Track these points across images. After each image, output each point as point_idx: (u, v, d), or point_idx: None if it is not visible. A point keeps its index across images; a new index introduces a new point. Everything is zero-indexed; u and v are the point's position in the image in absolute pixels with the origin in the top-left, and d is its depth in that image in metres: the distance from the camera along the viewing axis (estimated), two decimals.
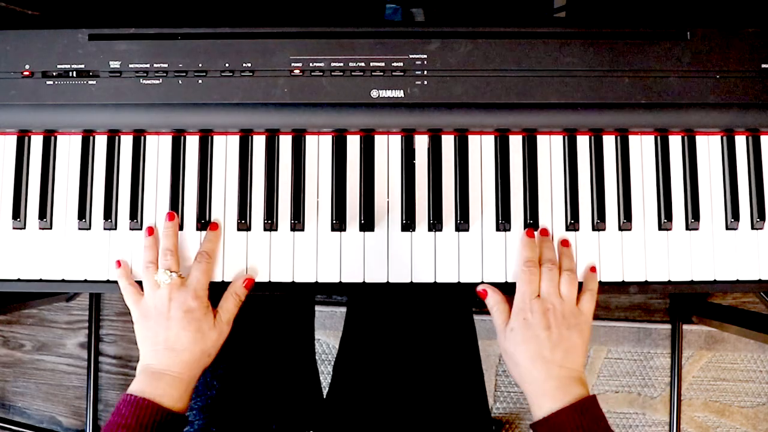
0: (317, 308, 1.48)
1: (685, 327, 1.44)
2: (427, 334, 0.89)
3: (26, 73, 0.79)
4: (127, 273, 0.79)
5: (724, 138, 0.82)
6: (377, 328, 0.91)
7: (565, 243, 0.80)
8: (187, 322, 0.73)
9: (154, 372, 0.72)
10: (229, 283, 0.79)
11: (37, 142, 0.83)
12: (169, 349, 0.72)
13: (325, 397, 0.93)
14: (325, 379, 1.45)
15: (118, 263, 0.79)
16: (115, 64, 0.79)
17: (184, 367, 0.72)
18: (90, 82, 0.79)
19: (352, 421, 0.84)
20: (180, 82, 0.79)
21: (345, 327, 0.96)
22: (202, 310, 0.74)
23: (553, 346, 0.71)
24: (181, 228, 0.81)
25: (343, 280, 0.81)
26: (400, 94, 0.79)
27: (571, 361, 0.71)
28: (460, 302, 0.93)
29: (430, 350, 0.88)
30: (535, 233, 0.80)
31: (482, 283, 0.80)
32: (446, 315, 0.91)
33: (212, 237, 0.80)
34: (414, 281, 0.80)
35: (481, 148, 0.82)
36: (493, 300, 0.77)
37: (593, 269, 0.79)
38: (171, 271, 0.75)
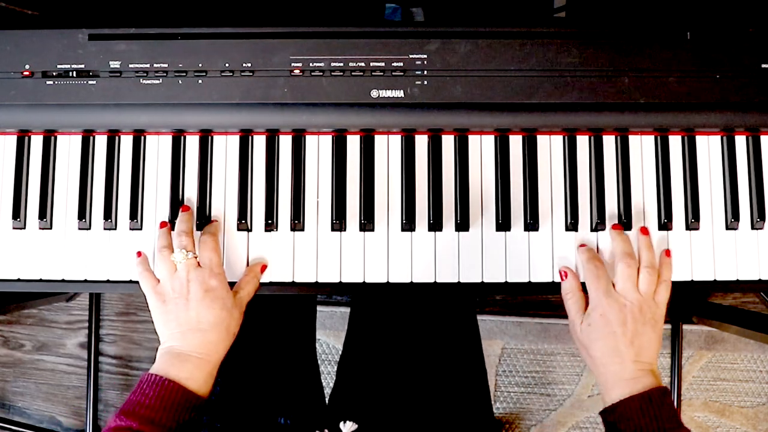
0: (317, 308, 1.48)
1: (685, 327, 1.44)
2: (430, 335, 0.89)
3: (26, 73, 0.79)
4: (145, 260, 0.78)
5: (724, 138, 0.82)
6: (381, 329, 0.91)
7: (644, 231, 0.79)
8: (211, 300, 0.71)
9: (180, 353, 0.70)
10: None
11: (37, 142, 0.83)
12: (195, 330, 0.71)
13: (328, 397, 0.93)
14: (326, 379, 1.45)
15: (139, 253, 0.79)
16: (115, 64, 0.79)
17: (211, 348, 0.71)
18: (90, 82, 0.79)
19: (357, 421, 0.84)
20: (180, 82, 0.79)
21: (349, 328, 0.96)
22: (225, 288, 0.73)
23: (630, 341, 0.71)
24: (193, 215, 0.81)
25: (343, 280, 0.81)
26: (400, 94, 0.79)
27: (646, 355, 0.72)
28: (463, 303, 0.93)
29: (433, 351, 0.88)
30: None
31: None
32: (449, 316, 0.91)
33: (212, 223, 0.80)
34: (414, 281, 0.80)
35: (481, 148, 0.82)
36: (570, 286, 0.77)
37: (668, 253, 0.79)
38: (187, 251, 0.74)
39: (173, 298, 0.72)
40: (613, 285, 0.75)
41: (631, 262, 0.75)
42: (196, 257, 0.75)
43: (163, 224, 0.79)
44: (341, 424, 0.79)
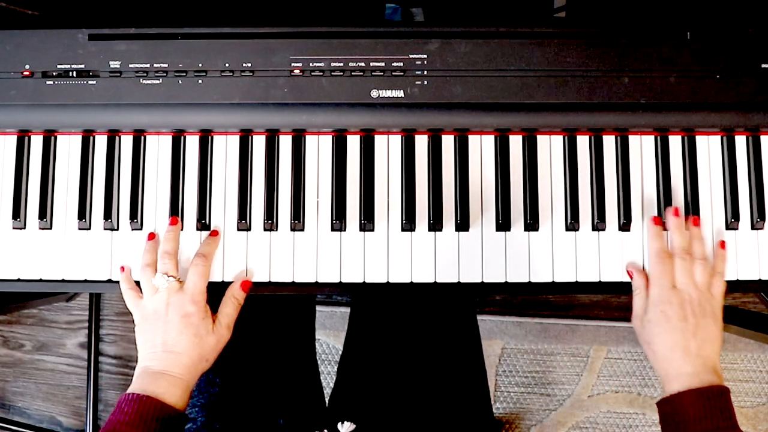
0: (317, 308, 1.48)
1: None
2: (430, 335, 0.89)
3: (26, 73, 0.79)
4: (129, 277, 0.79)
5: (724, 138, 0.82)
6: (381, 329, 0.91)
7: (695, 222, 0.79)
8: (184, 326, 0.73)
9: (155, 372, 0.72)
10: (229, 283, 0.79)
11: (37, 142, 0.83)
12: (168, 352, 0.72)
13: (328, 397, 0.93)
14: (326, 379, 1.45)
15: (122, 269, 0.79)
16: (115, 64, 0.79)
17: (183, 369, 0.72)
18: (90, 82, 0.79)
19: (357, 421, 0.84)
20: (180, 82, 0.79)
21: (349, 327, 0.96)
22: (200, 315, 0.74)
23: (691, 335, 0.72)
24: (181, 228, 0.81)
25: (343, 280, 0.81)
26: (400, 94, 0.79)
27: (708, 349, 0.72)
28: (463, 303, 0.93)
29: (433, 351, 0.88)
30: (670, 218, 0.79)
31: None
32: (450, 316, 0.91)
33: (211, 242, 0.80)
34: (414, 281, 0.80)
35: (481, 148, 0.82)
36: (637, 283, 0.78)
37: (722, 245, 0.80)
38: (168, 276, 0.75)
39: (152, 319, 0.74)
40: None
41: (687, 257, 0.76)
42: (178, 280, 0.75)
43: (151, 236, 0.79)
44: (339, 425, 0.79)
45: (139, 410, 0.67)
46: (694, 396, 0.68)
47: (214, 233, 0.80)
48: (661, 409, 0.72)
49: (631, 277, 0.79)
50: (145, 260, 0.77)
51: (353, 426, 0.79)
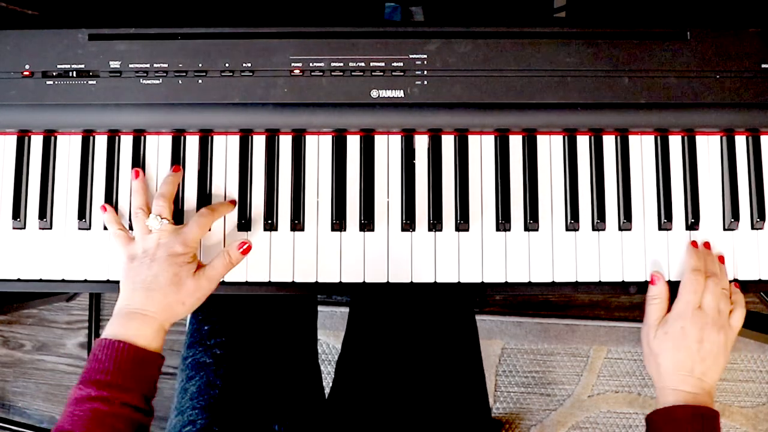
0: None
1: None
2: (429, 335, 0.89)
3: (26, 73, 0.79)
4: (116, 218, 0.79)
5: (724, 138, 0.82)
6: (380, 329, 0.91)
7: (721, 259, 0.80)
8: (168, 265, 0.72)
9: (128, 312, 0.71)
10: (229, 284, 0.79)
11: (37, 142, 0.83)
12: (146, 288, 0.72)
13: (326, 397, 0.93)
14: (325, 379, 1.45)
15: (104, 208, 0.80)
16: (115, 64, 0.79)
17: (158, 307, 0.71)
18: (90, 82, 0.79)
19: (355, 422, 0.84)
20: (180, 82, 0.79)
21: (347, 327, 0.96)
22: (187, 258, 0.74)
23: (701, 359, 0.73)
24: (182, 176, 0.81)
25: (343, 280, 0.81)
26: (400, 94, 0.79)
27: (710, 376, 0.73)
28: (462, 303, 0.93)
29: (432, 351, 0.88)
30: (699, 245, 0.80)
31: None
32: (448, 316, 0.91)
33: (223, 207, 0.80)
34: (414, 281, 0.80)
35: (481, 148, 0.82)
36: (658, 292, 0.78)
37: (737, 285, 0.80)
38: (162, 218, 0.75)
39: (140, 257, 0.74)
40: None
41: (718, 282, 0.76)
42: (171, 222, 0.76)
43: (137, 173, 0.80)
44: None
45: (111, 356, 0.67)
46: (692, 412, 0.69)
47: (232, 202, 0.81)
48: (651, 418, 0.72)
49: (653, 284, 0.78)
50: (137, 203, 0.77)
51: None
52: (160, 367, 0.72)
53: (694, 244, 0.80)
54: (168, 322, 0.73)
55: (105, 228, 0.81)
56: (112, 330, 0.70)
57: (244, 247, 0.76)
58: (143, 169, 0.82)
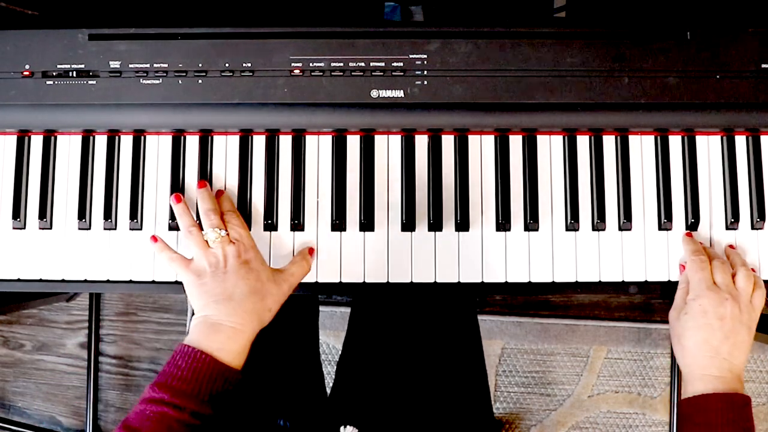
0: None
1: None
2: (430, 335, 0.89)
3: (26, 73, 0.79)
4: (165, 246, 0.77)
5: (724, 138, 0.82)
6: (381, 329, 0.91)
7: (731, 247, 0.81)
8: (246, 272, 0.71)
9: (213, 323, 0.69)
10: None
11: (37, 142, 0.83)
12: (228, 299, 0.70)
13: (327, 396, 0.93)
14: (326, 379, 1.45)
15: (154, 238, 0.78)
16: (115, 64, 0.79)
17: (245, 317, 0.70)
18: (90, 82, 0.79)
19: (356, 421, 0.84)
20: (180, 82, 0.79)
21: (349, 327, 0.96)
22: (259, 260, 0.73)
23: (724, 337, 0.71)
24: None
25: (343, 280, 0.81)
26: (400, 94, 0.79)
27: (736, 357, 0.71)
28: (463, 303, 0.93)
29: (433, 351, 0.88)
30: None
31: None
32: (450, 315, 0.91)
33: (228, 202, 0.80)
34: (414, 281, 0.80)
35: (481, 148, 0.82)
36: (684, 277, 0.78)
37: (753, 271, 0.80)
38: (219, 229, 0.74)
39: (209, 272, 0.72)
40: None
41: (725, 261, 0.77)
42: (228, 234, 0.74)
43: (177, 197, 0.79)
44: (342, 429, 0.79)
45: (192, 366, 0.66)
46: (720, 401, 0.68)
47: (221, 192, 0.81)
48: (683, 409, 0.71)
49: (681, 272, 0.79)
50: (186, 223, 0.76)
51: (356, 430, 0.79)
52: (237, 384, 0.69)
53: (688, 234, 0.81)
54: (254, 333, 0.71)
55: (105, 228, 0.81)
56: (196, 338, 0.68)
57: (311, 251, 0.80)
58: (143, 169, 0.82)
